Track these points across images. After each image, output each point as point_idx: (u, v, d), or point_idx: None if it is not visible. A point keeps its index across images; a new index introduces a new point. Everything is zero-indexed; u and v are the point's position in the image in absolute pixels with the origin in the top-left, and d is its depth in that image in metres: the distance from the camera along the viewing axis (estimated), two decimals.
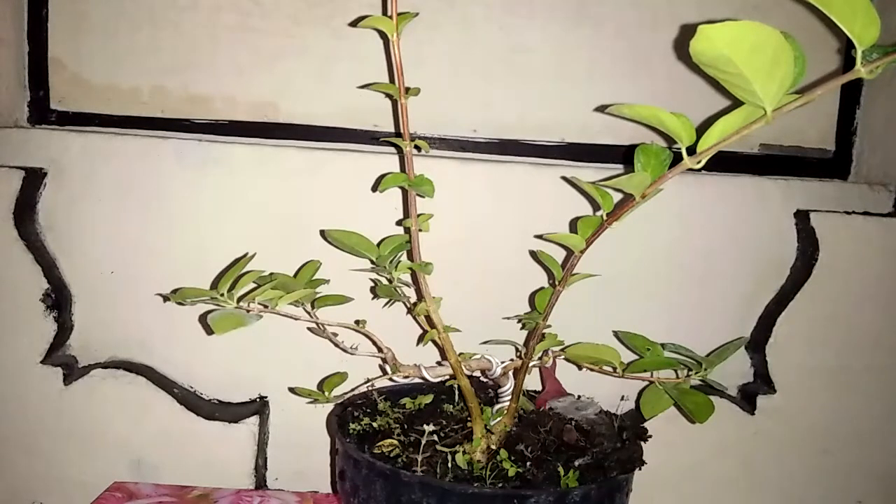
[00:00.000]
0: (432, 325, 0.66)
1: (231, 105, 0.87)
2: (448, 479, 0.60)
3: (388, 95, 0.85)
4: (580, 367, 0.75)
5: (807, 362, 0.84)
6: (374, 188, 0.82)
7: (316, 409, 0.82)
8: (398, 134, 0.85)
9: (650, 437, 0.68)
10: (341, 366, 0.74)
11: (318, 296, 0.67)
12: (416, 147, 0.65)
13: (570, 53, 0.87)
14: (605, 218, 0.56)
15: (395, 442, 0.65)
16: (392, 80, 0.84)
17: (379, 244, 0.68)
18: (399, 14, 0.59)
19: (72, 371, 0.83)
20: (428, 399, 0.74)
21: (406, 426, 0.69)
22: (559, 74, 0.88)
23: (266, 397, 0.86)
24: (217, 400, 0.86)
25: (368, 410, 0.72)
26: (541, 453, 0.64)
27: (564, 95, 0.88)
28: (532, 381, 0.74)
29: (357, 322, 0.67)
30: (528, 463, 0.63)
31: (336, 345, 0.69)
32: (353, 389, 0.72)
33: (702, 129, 0.47)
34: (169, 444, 0.83)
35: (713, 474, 0.86)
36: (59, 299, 0.82)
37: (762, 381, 0.86)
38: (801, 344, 0.84)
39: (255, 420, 0.83)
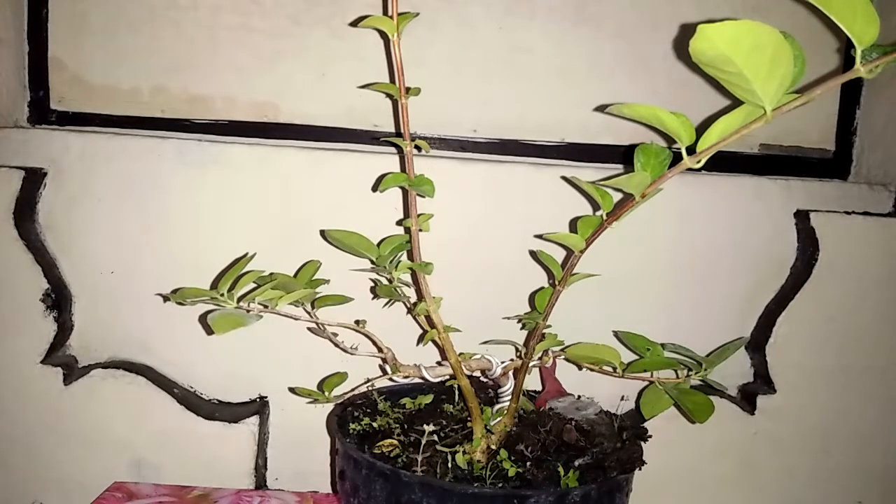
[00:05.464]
0: (432, 325, 0.66)
1: (231, 105, 0.87)
2: (448, 479, 0.60)
3: (389, 95, 0.85)
4: (580, 367, 0.75)
5: (807, 362, 0.84)
6: (374, 188, 0.82)
7: (316, 409, 0.82)
8: (398, 134, 0.85)
9: (650, 437, 0.68)
10: (341, 366, 0.75)
11: (318, 296, 0.67)
12: (417, 147, 0.65)
13: (569, 53, 0.87)
14: (605, 218, 0.56)
15: (395, 442, 0.65)
16: (392, 80, 0.84)
17: (379, 244, 0.68)
18: (399, 14, 0.59)
19: (72, 371, 0.83)
20: (428, 399, 0.74)
21: (406, 426, 0.69)
22: (559, 74, 0.88)
23: (266, 397, 0.86)
24: (217, 400, 0.86)
25: (368, 410, 0.72)
26: (541, 453, 0.64)
27: (564, 95, 0.88)
28: (532, 381, 0.74)
29: (357, 322, 0.67)
30: (528, 463, 0.63)
31: (336, 345, 0.69)
32: (353, 389, 0.72)
33: (702, 129, 0.48)
34: (169, 444, 0.83)
35: (713, 474, 0.86)
36: (59, 299, 0.82)
37: (762, 381, 0.86)
38: (801, 344, 0.84)
39: (255, 420, 0.83)
